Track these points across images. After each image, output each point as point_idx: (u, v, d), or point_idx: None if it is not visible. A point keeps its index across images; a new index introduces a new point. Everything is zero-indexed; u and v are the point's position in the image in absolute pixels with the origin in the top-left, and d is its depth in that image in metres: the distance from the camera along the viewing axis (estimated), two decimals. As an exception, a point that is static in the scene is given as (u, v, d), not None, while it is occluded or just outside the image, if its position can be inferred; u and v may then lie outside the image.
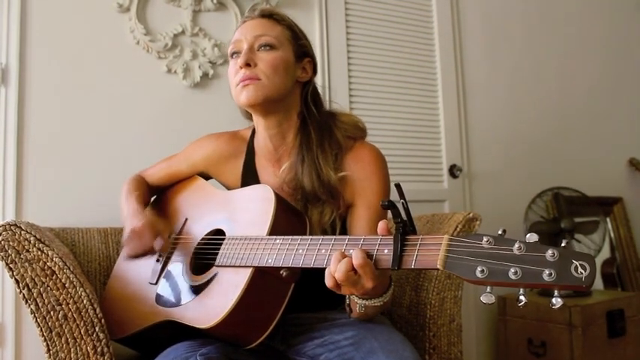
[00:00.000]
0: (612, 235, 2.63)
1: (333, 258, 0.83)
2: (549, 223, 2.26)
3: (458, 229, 1.32)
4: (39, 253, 1.06)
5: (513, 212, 2.27)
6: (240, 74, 1.11)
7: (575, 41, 2.70)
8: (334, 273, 0.82)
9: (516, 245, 0.68)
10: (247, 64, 1.11)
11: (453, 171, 2.25)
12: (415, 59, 2.24)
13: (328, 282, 0.85)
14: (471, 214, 1.34)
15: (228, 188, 1.28)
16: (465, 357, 1.38)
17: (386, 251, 0.80)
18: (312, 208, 1.12)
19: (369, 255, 0.81)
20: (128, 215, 1.21)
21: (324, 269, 0.85)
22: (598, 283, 2.50)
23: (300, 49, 1.19)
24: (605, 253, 2.53)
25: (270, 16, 1.17)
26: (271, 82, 1.11)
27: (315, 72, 1.22)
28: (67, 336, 1.05)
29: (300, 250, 0.90)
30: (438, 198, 2.23)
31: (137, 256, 1.14)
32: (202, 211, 1.23)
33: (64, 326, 1.05)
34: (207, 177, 1.33)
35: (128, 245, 1.14)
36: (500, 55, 2.47)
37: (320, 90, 1.25)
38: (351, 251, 0.82)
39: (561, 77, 2.63)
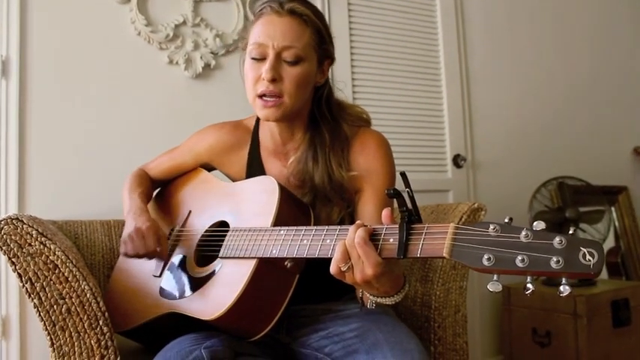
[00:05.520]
0: (617, 224, 2.63)
1: (337, 247, 0.82)
2: (554, 213, 2.25)
3: (463, 219, 1.32)
4: (41, 247, 1.05)
5: (518, 202, 2.26)
6: (263, 86, 1.06)
7: (579, 29, 2.68)
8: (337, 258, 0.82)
9: (523, 233, 0.67)
10: (273, 79, 1.06)
11: (457, 161, 2.24)
12: (418, 48, 2.22)
13: (332, 269, 0.84)
14: (475, 205, 1.33)
15: (233, 179, 1.28)
16: (469, 347, 1.37)
17: (391, 240, 0.79)
18: (321, 207, 1.11)
19: (374, 238, 0.81)
20: (130, 212, 1.19)
21: (329, 260, 0.84)
22: (602, 273, 2.48)
23: (324, 53, 1.15)
24: (609, 243, 2.53)
25: (300, 15, 1.09)
26: (293, 100, 1.08)
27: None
28: (71, 330, 1.05)
29: (305, 241, 0.90)
30: (442, 188, 2.22)
31: (136, 257, 1.12)
32: (206, 203, 1.22)
33: (67, 320, 1.05)
34: (210, 168, 1.31)
35: (130, 244, 1.12)
36: (503, 44, 2.45)
37: None
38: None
39: (565, 65, 2.61)
